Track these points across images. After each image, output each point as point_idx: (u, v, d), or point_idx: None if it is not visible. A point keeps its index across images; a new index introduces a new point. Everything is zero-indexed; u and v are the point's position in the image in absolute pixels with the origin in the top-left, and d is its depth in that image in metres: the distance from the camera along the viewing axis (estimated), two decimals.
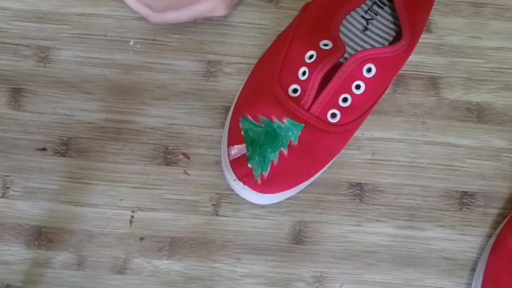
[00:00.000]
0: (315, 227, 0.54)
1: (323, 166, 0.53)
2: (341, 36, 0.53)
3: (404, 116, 0.56)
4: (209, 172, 0.55)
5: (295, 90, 0.51)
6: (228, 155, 0.52)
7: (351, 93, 0.51)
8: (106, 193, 0.54)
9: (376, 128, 0.56)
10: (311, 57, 0.51)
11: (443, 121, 0.56)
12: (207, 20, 0.57)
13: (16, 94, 0.56)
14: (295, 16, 0.56)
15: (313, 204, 0.54)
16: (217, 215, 0.54)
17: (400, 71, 0.55)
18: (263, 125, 0.51)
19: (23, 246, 0.54)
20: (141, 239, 0.54)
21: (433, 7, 0.56)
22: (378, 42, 0.55)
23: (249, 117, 0.52)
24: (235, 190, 0.52)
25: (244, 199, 0.53)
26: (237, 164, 0.51)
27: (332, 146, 0.52)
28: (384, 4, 0.56)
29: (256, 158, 0.51)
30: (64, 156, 0.55)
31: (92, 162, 0.55)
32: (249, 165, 0.51)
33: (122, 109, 0.55)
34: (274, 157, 0.51)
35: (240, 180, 0.51)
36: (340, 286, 0.53)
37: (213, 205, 0.54)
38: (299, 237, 0.54)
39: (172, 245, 0.54)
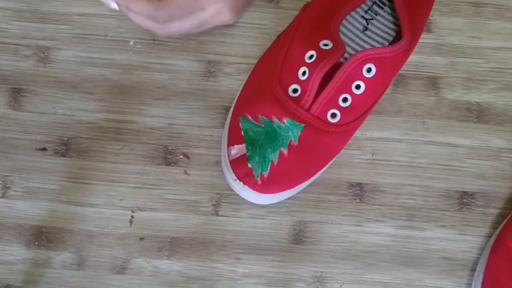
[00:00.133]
0: (315, 227, 0.54)
1: (323, 166, 0.53)
2: (341, 36, 0.53)
3: (404, 116, 0.56)
4: (209, 172, 0.55)
5: (295, 90, 0.51)
6: (228, 155, 0.52)
7: (351, 93, 0.51)
8: (106, 193, 0.54)
9: (376, 128, 0.56)
10: (311, 57, 0.51)
11: (443, 121, 0.56)
12: None
13: (16, 94, 0.56)
14: (295, 16, 0.56)
15: (313, 204, 0.54)
16: (217, 215, 0.54)
17: (400, 71, 0.55)
18: (263, 125, 0.51)
19: (23, 246, 0.54)
20: (141, 239, 0.54)
21: (433, 7, 0.56)
22: (378, 42, 0.55)
23: (249, 117, 0.52)
24: (235, 190, 0.52)
25: (244, 199, 0.53)
26: (237, 164, 0.51)
27: (332, 146, 0.52)
28: (384, 4, 0.56)
29: (256, 158, 0.51)
30: (64, 156, 0.55)
31: (92, 162, 0.55)
32: (249, 165, 0.51)
33: (122, 109, 0.55)
34: (274, 157, 0.51)
35: (240, 180, 0.51)
36: (340, 286, 0.53)
37: (213, 205, 0.54)
38: (299, 237, 0.54)
39: (172, 245, 0.54)
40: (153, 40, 0.56)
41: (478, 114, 0.56)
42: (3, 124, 0.55)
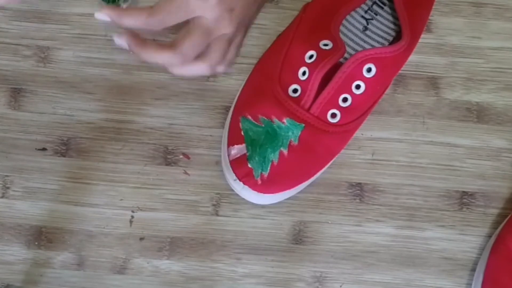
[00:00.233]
0: (315, 227, 0.54)
1: (323, 166, 0.53)
2: (341, 36, 0.53)
3: (404, 116, 0.56)
4: (209, 172, 0.55)
5: (295, 90, 0.51)
6: (228, 155, 0.52)
7: (351, 93, 0.51)
8: (106, 193, 0.54)
9: (376, 128, 0.56)
10: (311, 57, 0.51)
11: (443, 121, 0.56)
12: None
13: (16, 94, 0.56)
14: (295, 16, 0.56)
15: (313, 204, 0.54)
16: (217, 215, 0.54)
17: (400, 71, 0.55)
18: (263, 125, 0.51)
19: (23, 246, 0.54)
20: (141, 239, 0.54)
21: (433, 7, 0.56)
22: (378, 42, 0.55)
23: (249, 117, 0.52)
24: (235, 190, 0.52)
25: (244, 199, 0.53)
26: (237, 164, 0.51)
27: (332, 146, 0.52)
28: (384, 4, 0.56)
29: (256, 158, 0.51)
30: (64, 156, 0.55)
31: (92, 162, 0.55)
32: (249, 165, 0.51)
33: (122, 109, 0.55)
34: (274, 157, 0.51)
35: (240, 180, 0.51)
36: (340, 286, 0.53)
37: (213, 205, 0.54)
38: (299, 237, 0.54)
39: (172, 245, 0.54)
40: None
41: (478, 114, 0.56)
42: (3, 124, 0.55)
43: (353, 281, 0.53)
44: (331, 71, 0.50)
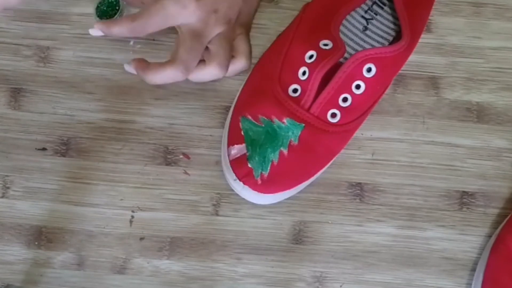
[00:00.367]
0: (316, 227, 0.54)
1: (323, 166, 0.53)
2: (341, 36, 0.53)
3: (404, 116, 0.56)
4: (209, 172, 0.55)
5: (295, 90, 0.51)
6: (228, 155, 0.52)
7: (351, 93, 0.51)
8: (106, 193, 0.54)
9: (376, 128, 0.56)
10: (311, 57, 0.51)
11: (443, 121, 0.56)
12: None
13: (16, 94, 0.56)
14: (295, 16, 0.56)
15: (313, 204, 0.54)
16: (217, 215, 0.54)
17: (400, 71, 0.55)
18: (263, 125, 0.51)
19: (23, 246, 0.53)
20: (141, 239, 0.54)
21: (433, 7, 0.56)
22: (378, 42, 0.55)
23: (249, 117, 0.52)
24: (235, 190, 0.52)
25: (244, 199, 0.53)
26: (237, 164, 0.51)
27: (332, 146, 0.52)
28: (384, 4, 0.56)
29: (256, 158, 0.51)
30: (64, 156, 0.55)
31: (92, 162, 0.55)
32: (249, 165, 0.51)
33: (122, 109, 0.55)
34: (274, 157, 0.51)
35: (240, 180, 0.51)
36: (341, 286, 0.53)
37: (213, 205, 0.54)
38: (299, 237, 0.54)
39: (172, 245, 0.54)
40: (153, 40, 0.56)
41: (478, 114, 0.56)
42: (3, 124, 0.55)
43: (353, 281, 0.53)
44: (331, 71, 0.50)
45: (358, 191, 0.55)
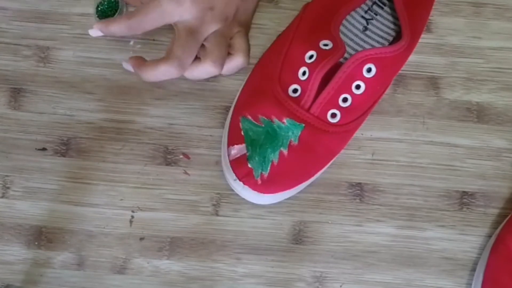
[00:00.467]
0: (315, 227, 0.54)
1: (323, 166, 0.53)
2: (341, 36, 0.53)
3: (404, 116, 0.56)
4: (209, 172, 0.55)
5: (295, 90, 0.51)
6: (228, 155, 0.52)
7: (351, 93, 0.51)
8: (106, 193, 0.54)
9: (376, 128, 0.56)
10: (311, 57, 0.51)
11: (443, 121, 0.56)
12: None
13: (16, 94, 0.56)
14: (295, 16, 0.56)
15: (313, 204, 0.54)
16: (217, 215, 0.54)
17: (400, 71, 0.55)
18: (263, 125, 0.51)
19: (23, 246, 0.53)
20: (141, 239, 0.54)
21: (433, 7, 0.56)
22: (378, 42, 0.55)
23: (249, 117, 0.52)
24: (235, 190, 0.52)
25: (244, 199, 0.53)
26: (237, 164, 0.51)
27: (332, 146, 0.52)
28: (384, 4, 0.56)
29: (256, 158, 0.51)
30: (64, 156, 0.55)
31: (92, 162, 0.55)
32: (249, 165, 0.51)
33: (122, 109, 0.55)
34: (274, 157, 0.51)
35: (240, 180, 0.51)
36: (340, 286, 0.53)
37: (213, 205, 0.54)
38: (299, 237, 0.54)
39: (172, 245, 0.54)
40: (153, 40, 0.56)
41: (478, 114, 0.56)
42: (3, 124, 0.55)
43: (353, 281, 0.53)
44: (331, 71, 0.50)
45: (358, 191, 0.55)
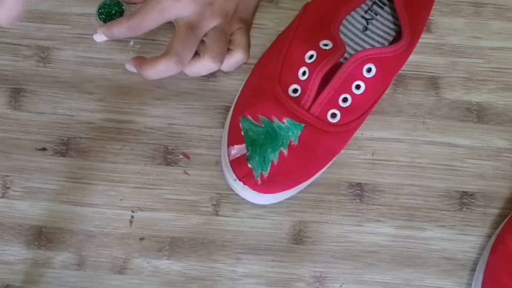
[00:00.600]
0: (315, 227, 0.54)
1: (323, 166, 0.53)
2: (341, 36, 0.53)
3: (404, 116, 0.56)
4: (209, 172, 0.55)
5: (295, 90, 0.51)
6: (228, 155, 0.52)
7: (351, 93, 0.51)
8: (106, 193, 0.54)
9: (376, 128, 0.56)
10: (311, 57, 0.51)
11: (443, 121, 0.56)
12: None
13: (16, 94, 0.56)
14: (295, 16, 0.56)
15: (313, 204, 0.54)
16: (217, 215, 0.54)
17: (400, 71, 0.55)
18: (263, 125, 0.51)
19: (23, 246, 0.53)
20: (141, 239, 0.54)
21: (433, 7, 0.56)
22: (378, 42, 0.55)
23: (249, 117, 0.52)
24: (235, 190, 0.52)
25: (244, 199, 0.53)
26: (237, 164, 0.51)
27: (332, 146, 0.52)
28: (384, 4, 0.56)
29: (256, 158, 0.51)
30: (64, 156, 0.55)
31: (92, 162, 0.55)
32: (249, 165, 0.51)
33: (122, 109, 0.55)
34: (274, 157, 0.51)
35: (240, 180, 0.51)
36: (340, 286, 0.53)
37: (213, 205, 0.54)
38: (299, 237, 0.54)
39: (172, 245, 0.54)
40: (153, 40, 0.56)
41: (478, 114, 0.56)
42: (3, 124, 0.55)
43: (353, 281, 0.53)
44: (331, 71, 0.50)
45: (358, 191, 0.55)
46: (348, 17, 0.55)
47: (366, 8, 0.56)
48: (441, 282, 0.53)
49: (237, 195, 0.53)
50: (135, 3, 0.56)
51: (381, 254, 0.54)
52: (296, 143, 0.51)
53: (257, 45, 0.56)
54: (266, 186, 0.51)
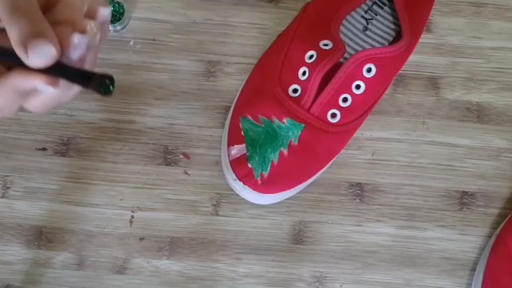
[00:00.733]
0: (315, 227, 0.54)
1: (323, 166, 0.53)
2: (341, 36, 0.53)
3: (404, 116, 0.56)
4: (209, 172, 0.55)
5: (295, 90, 0.51)
6: (228, 155, 0.52)
7: (351, 93, 0.51)
8: (106, 193, 0.54)
9: (376, 128, 0.56)
10: (311, 57, 0.51)
11: (443, 121, 0.56)
12: (207, 20, 0.57)
13: None
14: (295, 16, 0.56)
15: (313, 204, 0.54)
16: (217, 215, 0.54)
17: (400, 71, 0.55)
18: (263, 125, 0.51)
19: (23, 246, 0.53)
20: (141, 239, 0.54)
21: (433, 7, 0.56)
22: (378, 42, 0.55)
23: (249, 117, 0.52)
24: (235, 190, 0.52)
25: (244, 199, 0.53)
26: (237, 164, 0.51)
27: (332, 146, 0.52)
28: (384, 4, 0.56)
29: (256, 158, 0.51)
30: (64, 156, 0.55)
31: (92, 162, 0.55)
32: (249, 165, 0.51)
33: (122, 109, 0.55)
34: (274, 157, 0.51)
35: (240, 180, 0.51)
36: (340, 286, 0.53)
37: (213, 205, 0.54)
38: (299, 237, 0.54)
39: (172, 245, 0.54)
40: (153, 40, 0.56)
41: (478, 114, 0.56)
42: (3, 124, 0.55)
43: (353, 281, 0.53)
44: (331, 71, 0.50)
45: (358, 191, 0.55)
46: (348, 17, 0.55)
47: (366, 8, 0.56)
48: (441, 282, 0.53)
49: (237, 195, 0.53)
50: None
51: (381, 254, 0.54)
52: (296, 143, 0.51)
53: (257, 45, 0.56)
54: (266, 186, 0.51)
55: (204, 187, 0.54)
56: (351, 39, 0.54)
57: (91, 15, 0.36)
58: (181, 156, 0.55)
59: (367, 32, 0.55)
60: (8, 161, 0.55)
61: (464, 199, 0.55)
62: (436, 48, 0.57)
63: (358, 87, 0.51)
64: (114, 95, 0.55)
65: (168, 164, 0.55)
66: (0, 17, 0.33)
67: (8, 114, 0.35)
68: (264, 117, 0.51)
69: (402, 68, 0.55)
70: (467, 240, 0.54)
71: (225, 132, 0.53)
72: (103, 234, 0.54)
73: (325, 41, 0.51)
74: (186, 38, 0.57)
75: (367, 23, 0.55)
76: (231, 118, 0.53)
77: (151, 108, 0.55)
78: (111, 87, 0.34)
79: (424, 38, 0.56)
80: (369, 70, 0.50)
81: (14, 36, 0.32)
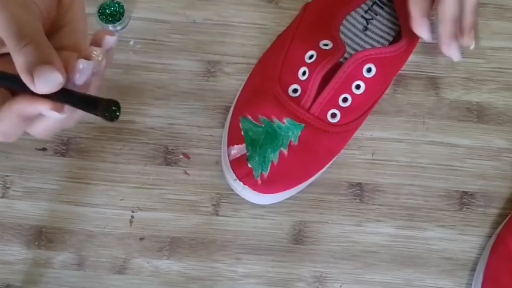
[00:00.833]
0: (315, 227, 0.54)
1: (323, 166, 0.53)
2: (341, 36, 0.53)
3: (404, 116, 0.56)
4: (209, 172, 0.55)
5: (295, 90, 0.51)
6: (228, 155, 0.52)
7: (351, 93, 0.51)
8: (106, 193, 0.54)
9: (376, 128, 0.56)
10: (311, 57, 0.51)
11: (443, 121, 0.56)
12: (207, 20, 0.57)
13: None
14: (295, 16, 0.56)
15: (313, 204, 0.54)
16: (217, 215, 0.54)
17: (400, 71, 0.55)
18: (263, 125, 0.51)
19: (23, 246, 0.53)
20: (141, 239, 0.54)
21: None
22: (378, 42, 0.55)
23: (249, 117, 0.52)
24: (235, 190, 0.52)
25: (244, 199, 0.53)
26: (237, 164, 0.51)
27: (332, 146, 0.52)
28: (384, 4, 0.56)
29: (256, 158, 0.51)
30: (64, 156, 0.55)
31: (92, 162, 0.55)
32: (249, 165, 0.51)
33: (122, 109, 0.55)
34: (274, 157, 0.51)
35: (240, 180, 0.51)
36: (340, 286, 0.53)
37: (213, 205, 0.54)
38: (299, 237, 0.54)
39: (172, 245, 0.54)
40: (153, 40, 0.56)
41: (478, 114, 0.56)
42: None
43: (353, 281, 0.53)
44: (331, 71, 0.50)
45: (358, 191, 0.55)
46: (348, 17, 0.55)
47: (366, 8, 0.56)
48: (441, 282, 0.53)
49: (237, 195, 0.53)
50: None
51: (381, 254, 0.54)
52: (296, 143, 0.51)
53: (257, 45, 0.56)
54: (266, 186, 0.51)
55: (204, 187, 0.54)
56: (351, 39, 0.54)
57: (97, 42, 0.36)
58: (181, 156, 0.55)
59: (367, 32, 0.55)
60: (8, 161, 0.55)
61: (464, 199, 0.55)
62: (436, 48, 0.57)
63: (358, 87, 0.51)
64: (114, 95, 0.55)
65: (168, 164, 0.55)
66: (6, 43, 0.33)
67: (12, 138, 0.35)
68: (264, 117, 0.51)
69: (402, 68, 0.55)
70: (467, 240, 0.54)
71: (225, 132, 0.53)
72: (103, 234, 0.54)
73: (325, 41, 0.51)
74: (186, 38, 0.57)
75: (367, 23, 0.55)
76: (231, 118, 0.53)
77: (151, 108, 0.55)
78: (117, 112, 0.34)
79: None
80: (369, 70, 0.50)
81: (20, 63, 0.33)
